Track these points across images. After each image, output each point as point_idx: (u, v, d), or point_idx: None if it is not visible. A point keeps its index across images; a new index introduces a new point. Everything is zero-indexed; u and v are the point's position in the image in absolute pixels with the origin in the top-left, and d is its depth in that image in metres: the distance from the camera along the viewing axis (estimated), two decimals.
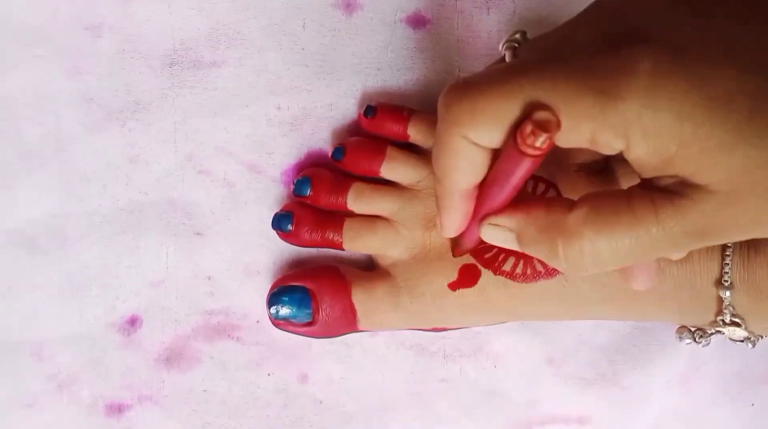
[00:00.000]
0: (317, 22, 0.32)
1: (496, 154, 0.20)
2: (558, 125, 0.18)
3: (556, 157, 0.29)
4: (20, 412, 0.31)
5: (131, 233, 0.32)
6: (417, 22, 0.32)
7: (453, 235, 0.23)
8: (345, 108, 0.32)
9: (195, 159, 0.32)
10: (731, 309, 0.26)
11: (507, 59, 0.21)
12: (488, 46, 0.33)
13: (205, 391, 0.32)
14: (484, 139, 0.19)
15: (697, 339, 0.28)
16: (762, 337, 0.27)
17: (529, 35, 0.22)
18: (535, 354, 0.33)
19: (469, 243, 0.24)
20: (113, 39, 0.31)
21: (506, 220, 0.22)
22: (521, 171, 0.19)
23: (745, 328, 0.27)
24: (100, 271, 0.32)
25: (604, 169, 0.26)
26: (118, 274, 0.32)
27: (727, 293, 0.26)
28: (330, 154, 0.32)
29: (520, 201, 0.21)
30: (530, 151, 0.18)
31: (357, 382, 0.32)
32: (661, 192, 0.19)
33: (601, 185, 0.26)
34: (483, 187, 0.21)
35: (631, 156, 0.18)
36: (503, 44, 0.22)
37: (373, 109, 0.31)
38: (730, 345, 0.30)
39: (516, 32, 0.22)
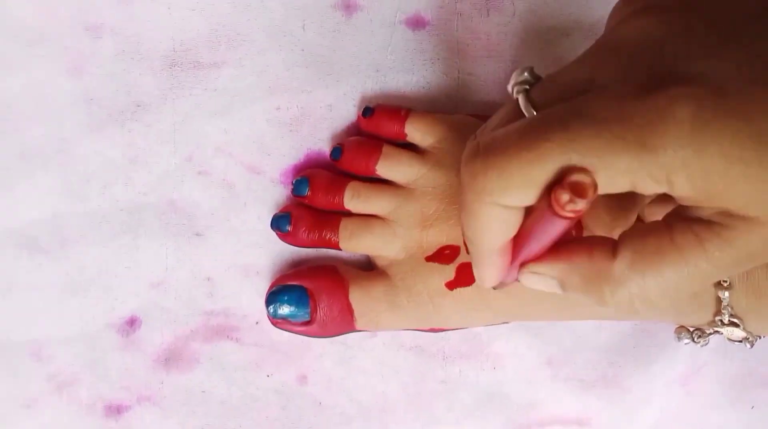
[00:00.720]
0: (317, 23, 0.32)
1: (529, 206, 0.19)
2: (595, 188, 0.17)
3: None
4: (19, 412, 0.31)
5: (131, 234, 0.32)
6: (416, 23, 0.33)
7: (491, 286, 0.22)
8: (344, 109, 0.32)
9: (195, 160, 0.32)
10: (730, 309, 0.26)
11: (522, 105, 0.20)
12: (488, 47, 0.33)
13: (204, 392, 0.32)
14: (516, 201, 0.18)
15: (695, 339, 0.28)
16: (760, 337, 0.27)
17: (534, 66, 0.21)
18: (534, 355, 0.33)
19: (508, 281, 0.23)
20: (114, 40, 0.31)
21: (548, 269, 0.21)
22: (559, 228, 0.19)
23: (744, 329, 0.26)
24: (100, 272, 0.32)
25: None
26: (117, 275, 0.32)
27: (726, 293, 0.26)
28: (328, 154, 0.32)
29: (560, 246, 0.21)
30: (568, 215, 0.17)
31: (356, 383, 0.32)
32: (704, 224, 0.18)
33: (620, 204, 0.25)
34: (519, 238, 0.20)
35: (674, 194, 0.18)
36: (513, 87, 0.21)
37: (371, 109, 0.31)
38: (730, 347, 0.30)
39: (523, 70, 0.21)
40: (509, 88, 0.21)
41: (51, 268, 0.31)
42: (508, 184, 0.18)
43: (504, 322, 0.31)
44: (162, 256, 0.32)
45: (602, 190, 0.17)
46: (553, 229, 0.19)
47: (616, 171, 0.17)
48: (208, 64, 0.32)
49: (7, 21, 0.31)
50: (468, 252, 0.29)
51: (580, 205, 0.17)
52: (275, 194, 0.32)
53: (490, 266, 0.21)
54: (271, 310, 0.30)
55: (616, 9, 0.21)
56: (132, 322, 0.32)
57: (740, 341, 0.27)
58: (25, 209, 0.31)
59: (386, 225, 0.30)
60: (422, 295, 0.29)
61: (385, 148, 0.31)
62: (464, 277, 0.29)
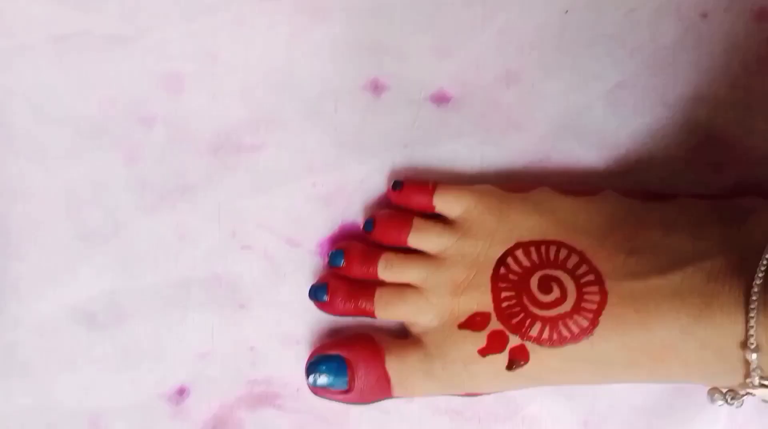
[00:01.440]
0: (348, 103, 0.34)
1: None
2: None
3: (585, 226, 0.30)
4: None
5: (180, 307, 0.34)
6: (440, 99, 0.34)
7: None
8: (375, 183, 0.34)
9: (237, 235, 0.34)
10: (759, 371, 0.26)
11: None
12: (509, 118, 0.34)
13: None
14: None
15: (729, 400, 0.28)
16: None
17: None
18: (570, 417, 0.33)
19: None
20: (164, 129, 0.34)
21: None
22: None
23: None
24: (152, 344, 0.34)
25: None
26: (168, 347, 0.34)
27: (754, 356, 0.26)
28: (362, 227, 0.34)
29: None
30: None
31: None
32: None
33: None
34: None
35: None
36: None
37: (400, 183, 0.33)
38: None
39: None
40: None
41: (108, 342, 0.34)
42: None
43: (537, 386, 0.32)
44: (208, 327, 0.34)
45: None
46: None
47: None
48: (249, 147, 0.34)
49: (72, 114, 0.34)
50: (498, 319, 0.30)
51: None
52: (313, 265, 0.34)
53: None
54: (311, 380, 0.31)
55: None
56: (181, 392, 0.34)
57: None
58: (84, 287, 0.34)
59: (419, 294, 0.32)
60: (456, 363, 0.30)
61: (416, 221, 0.32)
62: (496, 343, 0.30)
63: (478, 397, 0.33)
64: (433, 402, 0.33)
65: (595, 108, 0.34)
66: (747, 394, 0.27)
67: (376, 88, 0.34)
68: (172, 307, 0.34)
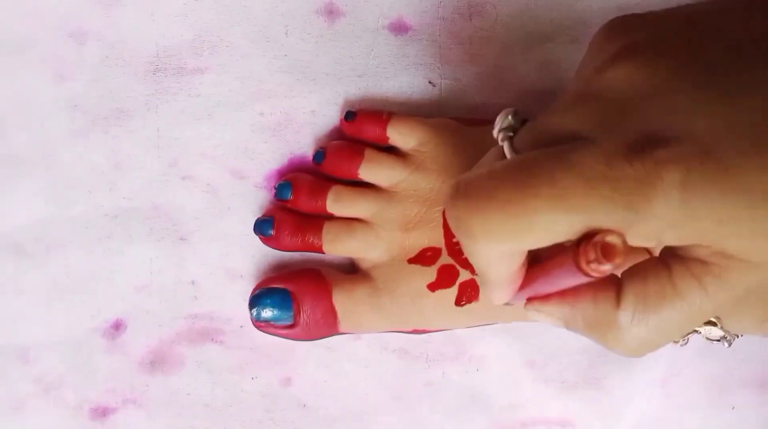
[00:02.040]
0: (300, 28, 0.32)
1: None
2: (625, 254, 0.17)
3: None
4: (7, 415, 0.32)
5: (116, 239, 0.32)
6: (399, 28, 0.33)
7: (502, 303, 0.23)
8: (327, 114, 0.33)
9: (179, 165, 0.32)
10: None
11: (507, 153, 0.20)
12: (470, 52, 0.33)
13: (189, 394, 0.32)
14: (505, 250, 0.19)
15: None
16: (738, 336, 0.27)
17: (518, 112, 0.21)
18: (517, 357, 0.33)
19: (515, 303, 0.23)
20: (97, 46, 0.31)
21: (554, 309, 0.21)
22: (577, 281, 0.19)
23: (721, 327, 0.27)
24: (85, 277, 0.32)
25: None
26: (102, 279, 0.32)
27: None
28: (311, 158, 0.32)
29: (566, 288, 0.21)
30: (593, 274, 0.17)
31: (340, 386, 0.33)
32: (702, 265, 0.18)
33: None
34: (532, 272, 0.21)
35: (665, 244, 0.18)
36: (498, 133, 0.21)
37: (353, 113, 0.32)
38: (710, 348, 0.30)
39: (507, 114, 0.21)
40: (494, 133, 0.21)
41: (37, 273, 0.32)
42: (493, 234, 0.18)
43: (487, 324, 0.32)
44: (147, 260, 0.32)
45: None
46: (571, 280, 0.19)
47: (604, 226, 0.17)
48: (191, 70, 0.32)
49: None
50: (449, 254, 0.29)
51: (608, 267, 0.17)
52: (259, 199, 0.32)
53: (499, 291, 0.21)
54: (255, 314, 0.30)
55: (596, 43, 0.20)
56: (117, 326, 0.32)
57: (718, 340, 0.28)
58: (10, 215, 0.32)
59: (369, 228, 0.31)
60: (405, 298, 0.30)
61: (368, 152, 0.31)
62: (445, 278, 0.29)
63: (426, 336, 0.32)
64: (381, 340, 0.33)
65: (560, 42, 0.33)
66: (693, 331, 0.28)
67: (331, 12, 0.32)
68: (106, 239, 0.32)
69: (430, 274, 0.29)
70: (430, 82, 0.33)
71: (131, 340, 0.32)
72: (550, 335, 0.33)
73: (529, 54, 0.33)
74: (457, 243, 0.29)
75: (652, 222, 0.17)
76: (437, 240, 0.30)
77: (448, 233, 0.29)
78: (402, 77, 0.33)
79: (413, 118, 0.31)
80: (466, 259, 0.29)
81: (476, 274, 0.29)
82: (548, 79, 0.33)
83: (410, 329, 0.31)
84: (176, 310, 0.32)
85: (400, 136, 0.31)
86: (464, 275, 0.29)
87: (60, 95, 0.32)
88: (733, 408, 0.34)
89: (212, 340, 0.32)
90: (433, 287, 0.29)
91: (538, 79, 0.33)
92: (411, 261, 0.30)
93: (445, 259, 0.29)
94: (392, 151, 0.32)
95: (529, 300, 0.22)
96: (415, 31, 0.33)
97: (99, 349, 0.32)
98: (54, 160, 0.32)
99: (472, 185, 0.18)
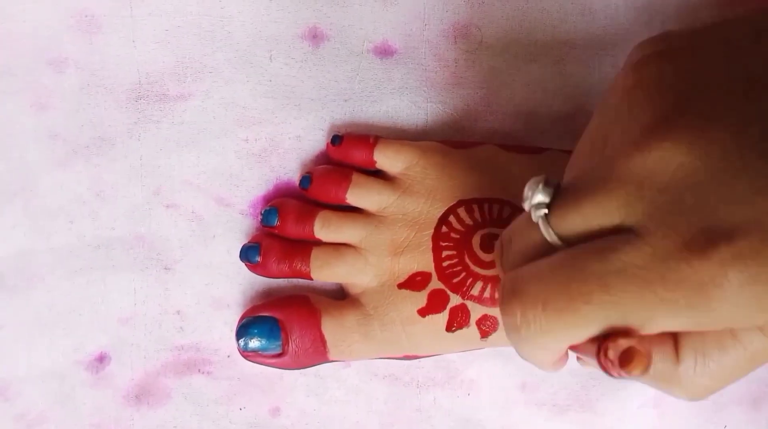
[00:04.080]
0: (284, 53, 0.32)
1: None
2: (648, 361, 0.17)
3: None
4: None
5: (99, 269, 0.31)
6: (384, 51, 0.33)
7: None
8: (313, 139, 0.32)
9: (162, 193, 0.32)
10: None
11: (545, 234, 0.19)
12: (456, 74, 0.33)
13: (175, 427, 0.31)
14: (556, 350, 0.19)
15: None
16: None
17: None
18: (508, 381, 0.33)
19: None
20: (78, 74, 0.31)
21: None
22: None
23: None
24: (68, 308, 0.31)
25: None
26: (85, 311, 0.31)
27: None
28: (298, 183, 0.32)
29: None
30: (619, 376, 0.17)
31: (330, 414, 0.32)
32: None
33: None
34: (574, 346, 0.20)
35: None
36: (530, 209, 0.20)
37: (339, 137, 0.31)
38: None
39: (537, 182, 0.19)
40: (525, 206, 0.20)
41: (18, 306, 0.31)
42: (547, 336, 0.18)
43: (477, 348, 0.31)
44: (131, 291, 0.31)
45: (645, 332, 0.17)
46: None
47: (661, 326, 0.17)
48: (174, 97, 0.32)
49: None
50: (439, 279, 0.29)
51: (634, 372, 0.17)
52: (244, 226, 0.32)
53: (547, 368, 0.22)
54: (242, 344, 0.30)
55: (627, 91, 0.19)
56: (101, 359, 0.31)
57: None
58: None
59: (357, 253, 0.30)
60: (395, 323, 0.29)
61: (355, 176, 0.31)
62: (436, 303, 0.29)
63: (417, 361, 0.32)
64: (371, 366, 0.32)
65: (545, 64, 0.33)
66: None
67: (315, 37, 0.32)
68: (89, 270, 0.31)
69: (420, 299, 0.29)
70: (415, 105, 0.33)
71: (116, 373, 0.31)
72: None
73: (514, 76, 0.33)
74: (448, 267, 0.29)
75: (715, 316, 0.16)
76: (427, 264, 0.29)
77: (437, 257, 0.29)
78: (388, 101, 0.33)
79: (400, 142, 0.31)
80: (456, 284, 0.29)
81: (467, 299, 0.29)
82: (534, 100, 0.33)
83: (401, 355, 0.31)
84: (162, 342, 0.31)
85: (387, 159, 0.31)
86: (455, 300, 0.29)
87: (40, 124, 0.31)
88: (725, 426, 0.34)
89: (199, 371, 0.32)
90: (423, 312, 0.29)
91: (524, 100, 0.33)
92: (401, 286, 0.29)
93: (435, 283, 0.29)
94: (379, 175, 0.31)
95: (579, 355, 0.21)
96: (401, 55, 0.33)
97: (83, 383, 0.31)
98: (34, 189, 0.31)
99: (521, 290, 0.18)
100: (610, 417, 0.33)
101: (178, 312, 0.32)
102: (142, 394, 0.31)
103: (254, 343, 0.30)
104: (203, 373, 0.32)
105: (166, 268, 0.32)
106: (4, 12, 0.30)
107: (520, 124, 0.33)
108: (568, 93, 0.33)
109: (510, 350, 0.33)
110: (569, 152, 0.31)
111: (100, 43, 0.31)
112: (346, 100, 0.32)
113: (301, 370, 0.31)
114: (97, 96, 0.31)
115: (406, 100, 0.33)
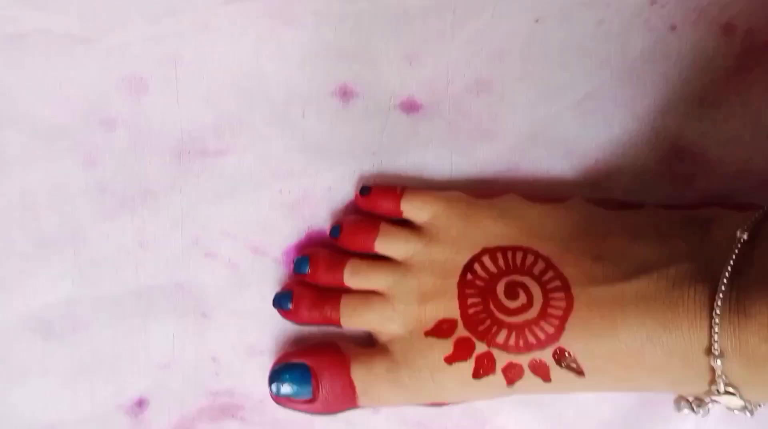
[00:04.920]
0: (316, 109, 0.34)
1: None
2: None
3: (552, 233, 0.30)
4: None
5: (140, 316, 0.33)
6: (410, 107, 0.34)
7: None
8: (343, 190, 0.34)
9: (201, 243, 0.33)
10: (724, 378, 0.26)
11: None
12: (479, 128, 0.34)
13: None
14: None
15: (695, 408, 0.28)
16: (760, 405, 0.27)
17: None
18: (536, 428, 0.32)
19: None
20: (126, 133, 0.33)
21: None
22: None
23: (741, 397, 0.26)
24: (110, 354, 0.33)
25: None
26: (127, 357, 0.33)
27: (718, 362, 0.26)
28: (328, 233, 0.33)
29: None
30: None
31: None
32: None
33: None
34: None
35: None
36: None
37: (368, 188, 0.33)
38: (734, 416, 0.30)
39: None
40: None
41: (63, 352, 0.33)
42: None
43: (504, 395, 0.31)
44: (169, 337, 0.33)
45: None
46: None
47: None
48: (214, 152, 0.34)
49: (29, 119, 0.33)
50: (465, 327, 0.30)
51: None
52: (278, 273, 0.33)
53: None
54: (274, 389, 0.31)
55: None
56: (141, 404, 0.33)
57: (740, 410, 0.27)
58: (39, 295, 0.33)
59: (386, 301, 0.31)
60: (422, 371, 0.30)
61: (383, 226, 0.32)
62: (462, 350, 0.29)
63: (445, 409, 0.32)
64: (400, 414, 0.32)
65: (565, 118, 0.34)
66: (712, 401, 0.27)
67: (345, 94, 0.34)
68: (131, 317, 0.33)
69: (447, 346, 0.30)
70: (440, 157, 0.34)
71: (154, 418, 0.32)
72: (571, 406, 0.33)
73: (536, 129, 0.34)
74: (473, 314, 0.30)
75: None
76: (453, 311, 0.30)
77: (463, 305, 0.30)
78: (414, 153, 0.34)
79: (426, 192, 0.32)
80: (482, 331, 0.29)
81: (492, 346, 0.29)
82: (556, 156, 0.34)
83: (429, 402, 0.31)
84: (197, 387, 0.33)
85: (413, 209, 0.32)
86: (480, 347, 0.29)
87: (89, 180, 0.33)
88: None
89: (232, 416, 0.32)
90: (449, 360, 0.29)
91: (547, 156, 0.34)
92: (428, 333, 0.30)
93: (461, 331, 0.30)
94: (406, 224, 0.33)
95: None
96: (426, 109, 0.34)
97: (123, 427, 0.32)
98: (82, 241, 0.33)
99: None
100: None
101: (214, 358, 0.33)
102: None
103: (286, 389, 0.30)
104: (236, 418, 0.32)
105: (203, 315, 0.33)
106: (62, 76, 0.33)
107: (543, 181, 0.34)
108: (588, 146, 0.34)
109: (538, 398, 0.33)
110: (591, 201, 0.32)
111: (147, 103, 0.33)
112: (374, 153, 0.34)
113: (332, 416, 0.32)
114: (143, 152, 0.33)
115: (432, 152, 0.34)
